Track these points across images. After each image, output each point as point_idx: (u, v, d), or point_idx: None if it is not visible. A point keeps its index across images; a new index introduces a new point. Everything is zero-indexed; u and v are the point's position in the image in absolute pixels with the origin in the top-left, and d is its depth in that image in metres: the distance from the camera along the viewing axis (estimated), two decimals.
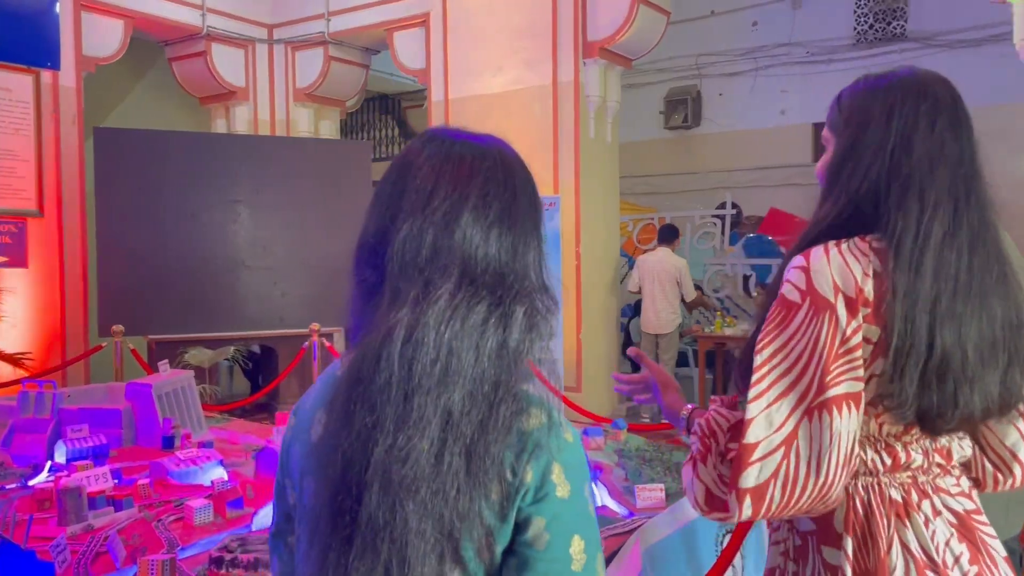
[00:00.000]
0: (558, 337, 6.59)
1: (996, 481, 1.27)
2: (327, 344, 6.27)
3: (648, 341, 7.05)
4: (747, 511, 1.11)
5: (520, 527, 0.83)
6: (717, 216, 9.66)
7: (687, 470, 1.19)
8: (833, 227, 1.20)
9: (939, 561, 1.14)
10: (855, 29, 8.85)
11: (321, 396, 0.93)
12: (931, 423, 1.14)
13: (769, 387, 1.12)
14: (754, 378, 1.13)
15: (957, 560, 1.15)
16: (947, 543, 1.16)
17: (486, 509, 0.82)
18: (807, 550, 1.20)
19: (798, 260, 1.16)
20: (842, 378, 1.10)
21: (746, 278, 9.41)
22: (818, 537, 1.19)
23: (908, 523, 1.15)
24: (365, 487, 0.82)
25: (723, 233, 9.62)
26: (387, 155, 12.59)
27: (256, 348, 7.63)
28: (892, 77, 1.24)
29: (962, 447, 1.22)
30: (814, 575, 1.18)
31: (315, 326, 6.18)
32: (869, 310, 1.11)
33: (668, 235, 7.26)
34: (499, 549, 0.83)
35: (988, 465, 1.27)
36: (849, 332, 1.11)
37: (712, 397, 1.29)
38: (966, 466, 1.26)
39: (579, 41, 6.80)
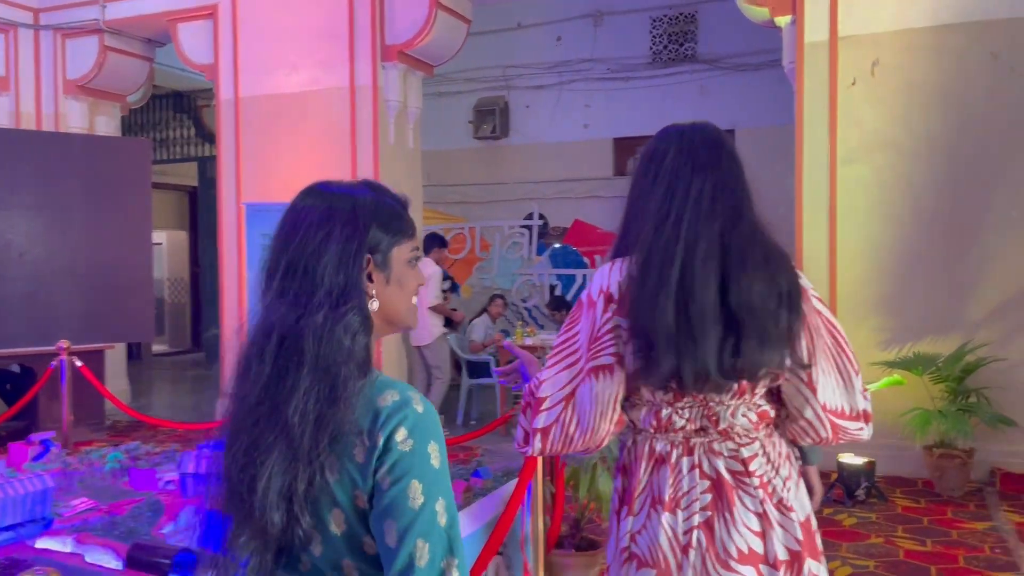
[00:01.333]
0: None
1: (799, 440, 1.58)
2: (78, 365, 5.58)
3: (415, 354, 6.83)
4: (537, 445, 1.53)
5: (376, 476, 1.06)
6: (525, 226, 9.76)
7: (519, 419, 1.59)
8: (617, 249, 1.57)
9: (670, 499, 1.48)
10: (651, 49, 9.23)
11: None
12: (679, 385, 1.46)
13: (558, 360, 1.54)
14: (550, 353, 1.56)
15: (692, 503, 1.48)
16: (690, 490, 1.48)
17: (351, 465, 1.07)
18: (616, 476, 1.63)
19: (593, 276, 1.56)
20: (599, 354, 1.48)
21: (552, 288, 9.57)
22: (618, 469, 1.62)
23: (660, 470, 1.51)
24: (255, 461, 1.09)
25: (531, 243, 9.73)
26: (183, 156, 11.76)
27: (15, 367, 6.79)
28: (660, 132, 1.65)
29: (734, 416, 1.48)
30: (615, 492, 1.61)
31: (65, 343, 5.52)
32: (617, 305, 1.48)
33: (427, 244, 6.92)
34: (366, 496, 1.07)
35: (795, 426, 1.55)
36: (601, 322, 1.49)
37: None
38: (775, 429, 1.56)
39: (377, 44, 6.59)
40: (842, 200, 5.44)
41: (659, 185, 1.51)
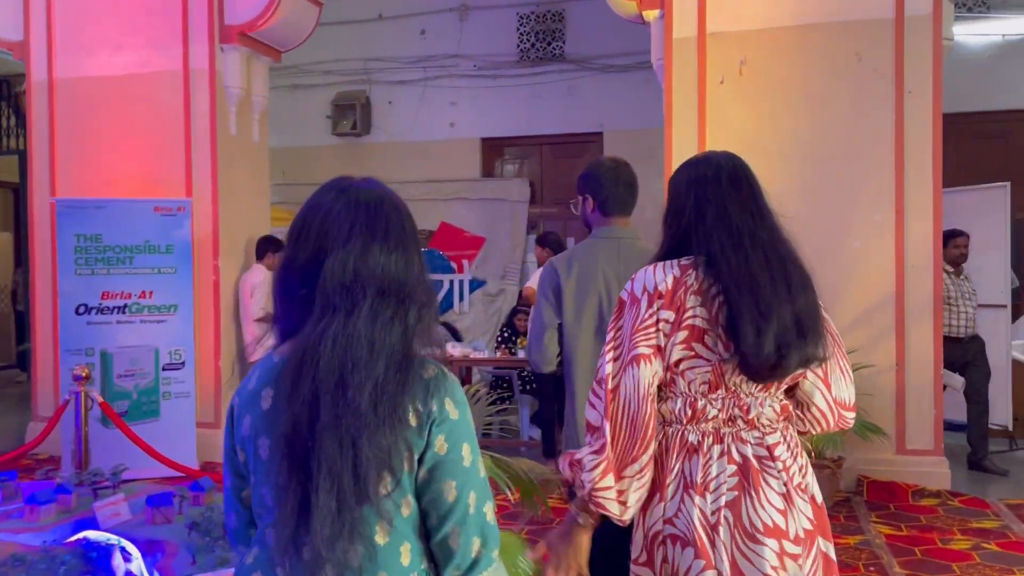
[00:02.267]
0: (189, 367, 5.62)
1: (810, 428, 1.79)
2: None
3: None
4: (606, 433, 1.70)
5: (429, 441, 1.20)
6: None
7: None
8: (663, 255, 1.78)
9: (700, 484, 1.63)
10: (518, 47, 8.92)
11: (265, 377, 1.26)
12: (759, 375, 1.63)
13: (610, 349, 1.72)
14: (606, 346, 1.74)
15: (720, 486, 1.63)
16: (719, 475, 1.64)
17: (408, 432, 1.19)
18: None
19: (635, 275, 1.76)
20: (638, 344, 1.67)
21: None
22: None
23: (692, 459, 1.65)
24: (318, 434, 1.15)
25: None
26: (4, 148, 10.48)
27: None
28: (694, 160, 1.84)
29: (762, 407, 1.67)
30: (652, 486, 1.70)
31: None
32: (664, 300, 1.67)
33: (260, 248, 6.12)
34: (416, 458, 1.20)
35: (799, 415, 1.76)
36: (645, 315, 1.68)
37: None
38: (790, 421, 1.75)
39: (215, 23, 5.92)
40: None
41: (710, 204, 1.73)
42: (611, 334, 1.73)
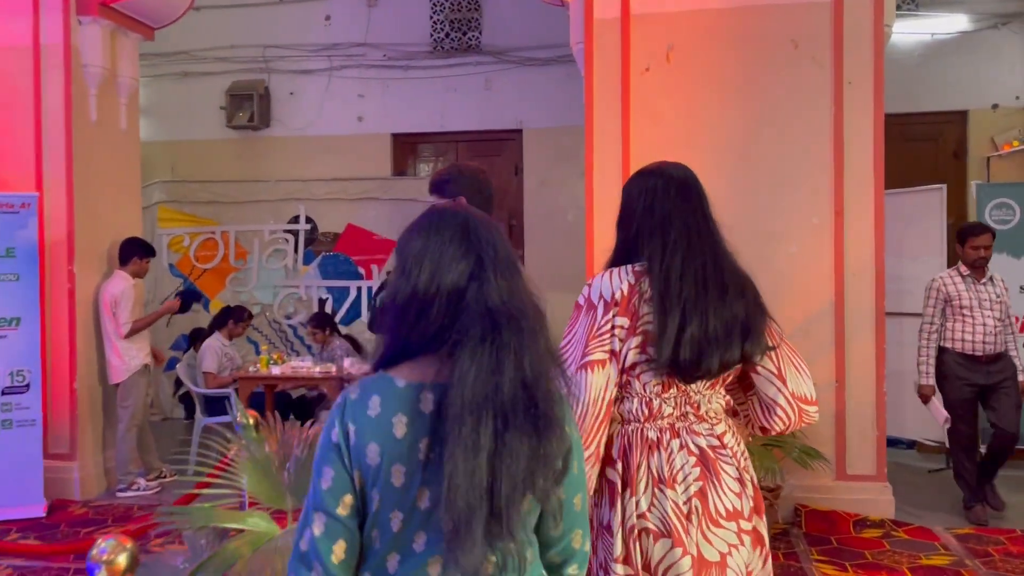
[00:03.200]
0: (35, 390, 4.80)
1: (772, 425, 1.90)
2: None
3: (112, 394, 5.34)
4: None
5: (567, 463, 1.25)
6: (289, 231, 8.47)
7: None
8: (615, 260, 1.94)
9: (669, 477, 1.77)
10: (432, 36, 8.29)
11: (393, 403, 1.21)
12: (684, 376, 1.78)
13: (564, 355, 1.82)
14: (560, 348, 1.82)
15: (686, 477, 1.78)
16: (682, 467, 1.78)
17: (556, 458, 1.21)
18: (603, 470, 1.84)
19: (588, 281, 1.90)
20: (595, 350, 1.78)
21: (322, 302, 8.34)
22: (604, 460, 1.83)
23: (655, 454, 1.79)
24: (495, 464, 1.15)
25: (296, 251, 8.45)
26: None
27: None
28: (647, 170, 1.98)
29: (710, 402, 1.84)
30: (600, 486, 1.84)
31: None
32: (619, 307, 1.80)
33: (124, 253, 5.29)
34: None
35: (760, 412, 1.90)
36: (601, 322, 1.80)
37: None
38: (745, 419, 1.97)
39: None
40: None
41: (656, 213, 1.87)
42: (565, 338, 1.83)
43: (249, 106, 8.47)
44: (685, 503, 1.74)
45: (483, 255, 1.23)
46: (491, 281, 1.21)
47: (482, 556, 1.13)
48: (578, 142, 5.19)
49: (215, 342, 6.12)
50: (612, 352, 1.76)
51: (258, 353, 8.32)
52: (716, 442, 1.80)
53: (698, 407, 1.80)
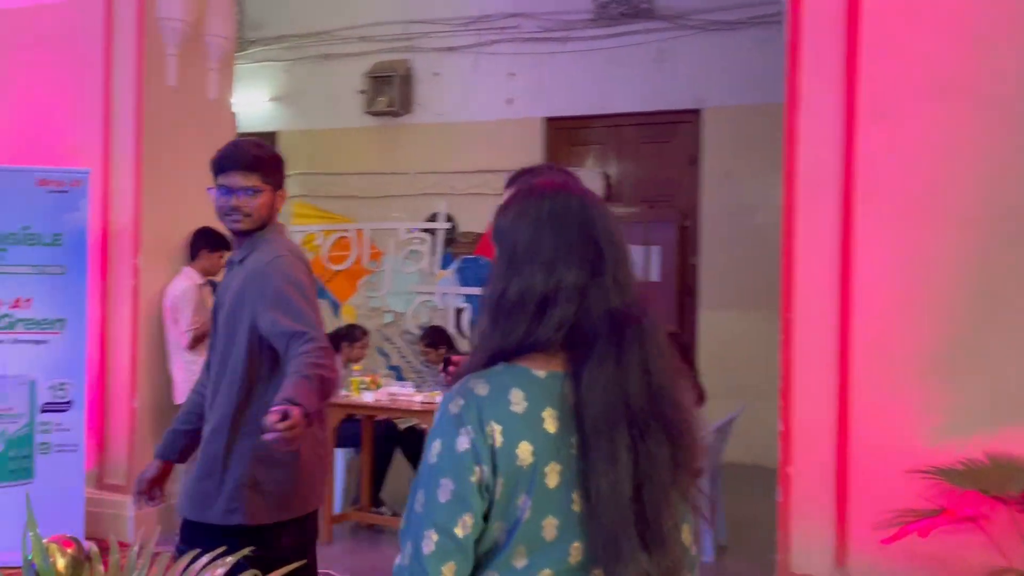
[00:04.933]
0: (78, 408, 3.96)
1: None
2: None
3: None
4: None
5: None
6: (427, 230, 7.45)
7: None
8: None
9: None
10: (595, 1, 6.98)
11: (538, 395, 1.09)
12: None
13: None
14: None
15: None
16: None
17: (692, 463, 1.14)
18: None
19: None
20: None
21: (459, 312, 7.25)
22: None
23: None
24: (658, 463, 1.08)
25: (434, 252, 7.41)
26: None
27: None
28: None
29: None
30: None
31: None
32: None
33: (195, 244, 4.40)
34: None
35: None
36: None
37: None
38: None
39: None
40: (864, 194, 3.16)
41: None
42: None
43: (389, 89, 7.55)
44: None
45: (605, 249, 1.13)
46: (613, 277, 1.12)
47: (643, 567, 1.05)
48: (773, 124, 3.71)
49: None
50: None
51: (390, 368, 7.39)
52: None
53: None
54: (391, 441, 4.83)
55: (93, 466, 4.23)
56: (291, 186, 7.57)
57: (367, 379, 4.34)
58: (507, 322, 1.11)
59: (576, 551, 1.07)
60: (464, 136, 7.37)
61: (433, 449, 1.09)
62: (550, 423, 1.08)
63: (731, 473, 4.96)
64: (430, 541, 1.05)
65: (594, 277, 1.11)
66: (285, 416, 1.72)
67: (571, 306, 1.09)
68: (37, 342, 3.93)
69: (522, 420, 1.07)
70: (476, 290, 7.16)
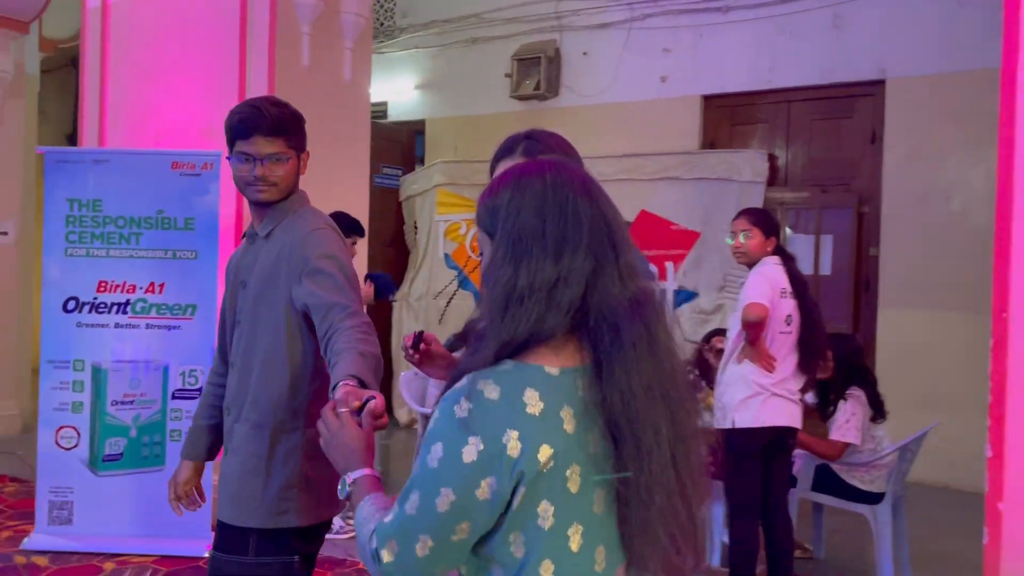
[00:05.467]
0: None
1: None
2: None
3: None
4: None
5: None
6: None
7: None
8: None
9: None
10: None
11: (553, 394, 1.02)
12: None
13: None
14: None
15: None
16: None
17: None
18: None
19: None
20: None
21: None
22: None
23: None
24: (678, 461, 1.05)
25: None
26: None
27: None
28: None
29: None
30: None
31: None
32: None
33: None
34: None
35: None
36: None
37: None
38: None
39: None
40: None
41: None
42: None
43: (537, 72, 7.22)
44: None
45: (612, 230, 1.09)
46: (619, 259, 1.07)
47: (674, 563, 1.04)
48: (971, 95, 3.02)
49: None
50: None
51: None
52: None
53: None
54: None
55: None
56: (434, 174, 7.44)
57: None
58: (517, 312, 1.03)
59: (601, 556, 1.04)
60: (613, 118, 6.93)
61: (434, 452, 1.01)
62: (568, 423, 1.02)
63: (914, 494, 4.25)
64: (424, 546, 1.02)
65: (602, 260, 1.06)
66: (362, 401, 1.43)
67: (579, 289, 1.04)
68: (170, 327, 3.89)
69: (540, 422, 1.01)
70: None
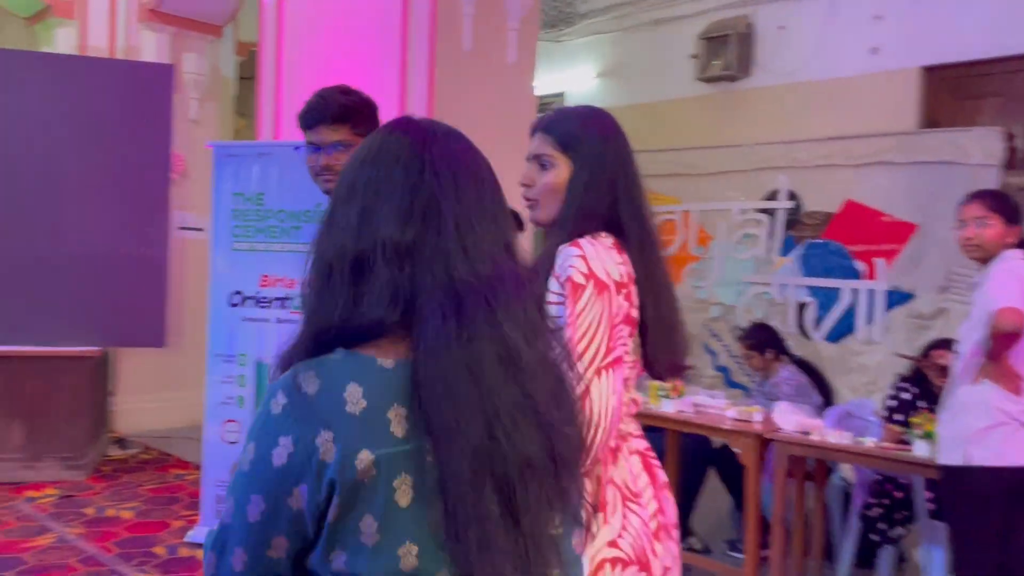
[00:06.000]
0: None
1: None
2: None
3: None
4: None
5: None
6: (766, 210, 6.39)
7: None
8: (581, 228, 1.47)
9: (635, 491, 1.47)
10: None
11: (381, 391, 0.87)
12: (666, 372, 1.54)
13: (581, 350, 1.37)
14: (576, 343, 1.40)
15: (644, 488, 1.49)
16: (638, 476, 1.49)
17: (578, 465, 1.00)
18: None
19: (573, 250, 1.43)
20: (616, 346, 1.40)
21: (801, 307, 6.11)
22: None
23: (616, 464, 1.46)
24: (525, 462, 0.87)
25: (772, 236, 6.34)
26: None
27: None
28: (609, 119, 1.65)
29: (637, 394, 1.55)
30: None
31: None
32: (626, 289, 1.45)
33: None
34: None
35: None
36: (617, 308, 1.41)
37: None
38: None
39: None
40: None
41: (637, 179, 1.59)
42: (578, 329, 1.39)
43: (725, 51, 6.63)
44: (652, 517, 1.48)
45: (442, 202, 0.90)
46: (458, 239, 0.89)
47: None
48: None
49: None
50: (625, 344, 1.44)
51: (717, 369, 6.53)
52: (645, 444, 1.55)
53: (635, 403, 1.55)
54: (703, 459, 4.01)
55: None
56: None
57: (671, 385, 3.56)
58: (326, 292, 0.90)
59: None
60: (814, 98, 6.20)
61: (247, 453, 0.88)
62: (398, 425, 0.86)
63: None
64: (239, 560, 0.89)
65: (427, 236, 0.88)
66: None
67: (398, 272, 0.87)
68: None
69: (360, 423, 0.85)
70: (823, 281, 5.98)
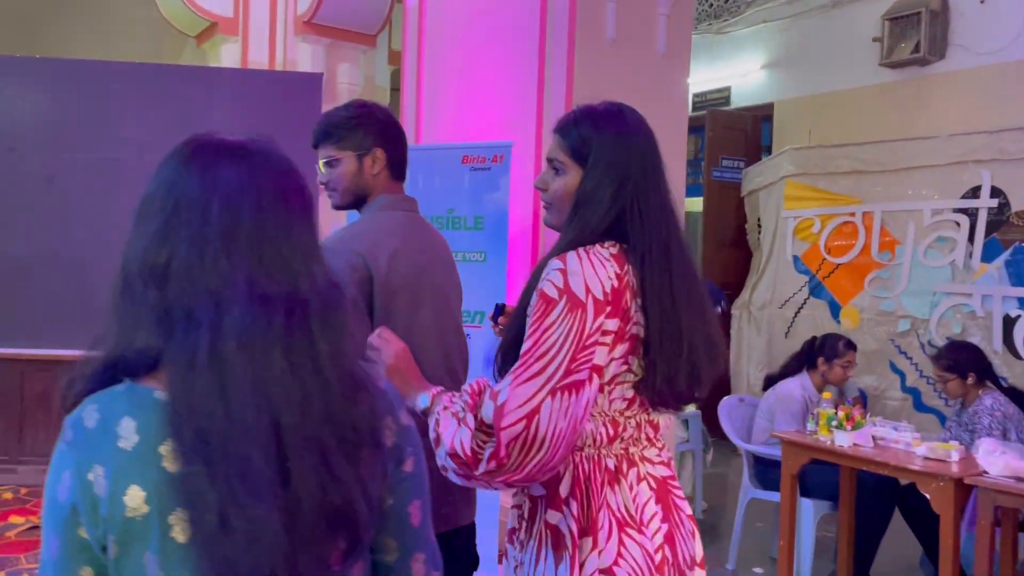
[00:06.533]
0: None
1: None
2: None
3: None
4: (492, 462, 1.27)
5: None
6: (963, 210, 5.57)
7: (449, 423, 1.33)
8: (585, 237, 1.39)
9: (637, 519, 1.37)
10: None
11: (154, 425, 0.83)
12: (666, 400, 1.38)
13: (532, 365, 1.29)
14: (524, 358, 1.30)
15: (652, 518, 1.38)
16: (645, 504, 1.38)
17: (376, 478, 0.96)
18: (536, 511, 1.40)
19: (556, 263, 1.34)
20: (582, 367, 1.29)
21: (1010, 322, 5.26)
22: (545, 501, 1.38)
23: (617, 488, 1.37)
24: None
25: (972, 240, 5.52)
26: None
27: None
28: (629, 117, 1.50)
29: (663, 419, 1.46)
30: (537, 533, 1.39)
31: None
32: (611, 306, 1.32)
33: None
34: None
35: None
36: (593, 328, 1.30)
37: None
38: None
39: None
40: None
41: (647, 180, 1.45)
42: (534, 347, 1.31)
43: (915, 32, 5.89)
44: (656, 550, 1.38)
45: (210, 204, 0.85)
46: (218, 249, 0.84)
47: None
48: None
49: (796, 388, 3.95)
50: (594, 367, 1.32)
51: (905, 391, 5.77)
52: (668, 472, 1.45)
53: (657, 427, 1.46)
54: (888, 498, 3.44)
55: None
56: (782, 164, 6.44)
57: (840, 413, 3.03)
58: (112, 318, 0.86)
59: None
60: (1019, 80, 5.35)
61: (44, 499, 0.88)
62: (170, 460, 0.82)
63: None
64: None
65: (187, 255, 0.83)
66: None
67: (156, 294, 0.83)
68: None
69: (132, 458, 0.82)
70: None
